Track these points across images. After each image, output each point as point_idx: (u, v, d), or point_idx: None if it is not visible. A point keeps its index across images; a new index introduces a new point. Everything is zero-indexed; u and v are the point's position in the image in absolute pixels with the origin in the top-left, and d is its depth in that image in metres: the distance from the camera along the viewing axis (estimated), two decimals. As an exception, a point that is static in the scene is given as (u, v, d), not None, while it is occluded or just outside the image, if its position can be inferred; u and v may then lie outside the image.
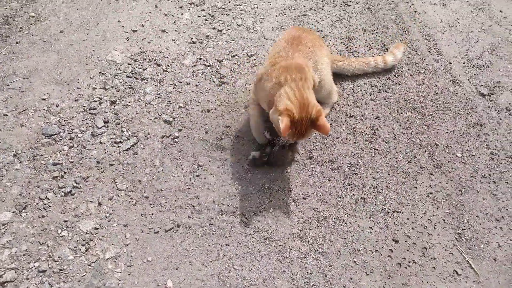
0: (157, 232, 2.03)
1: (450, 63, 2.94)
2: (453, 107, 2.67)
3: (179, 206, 2.13)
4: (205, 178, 2.24)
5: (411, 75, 2.84)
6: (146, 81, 2.68)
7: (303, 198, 2.19)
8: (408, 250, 2.03)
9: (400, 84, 2.77)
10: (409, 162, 2.37)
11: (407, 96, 2.71)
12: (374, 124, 2.53)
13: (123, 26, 3.02)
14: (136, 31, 2.99)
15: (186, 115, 2.52)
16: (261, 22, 3.14)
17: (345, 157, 2.37)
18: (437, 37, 3.13)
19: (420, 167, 2.35)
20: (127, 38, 2.94)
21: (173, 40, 2.95)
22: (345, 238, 2.06)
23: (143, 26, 3.03)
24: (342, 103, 2.63)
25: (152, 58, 2.81)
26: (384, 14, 3.29)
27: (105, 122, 2.43)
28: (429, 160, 2.39)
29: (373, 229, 2.10)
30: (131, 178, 2.22)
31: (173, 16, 3.14)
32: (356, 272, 1.95)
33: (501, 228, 2.13)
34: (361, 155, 2.39)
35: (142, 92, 2.62)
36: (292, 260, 1.97)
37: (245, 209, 2.13)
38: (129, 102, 2.55)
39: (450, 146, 2.46)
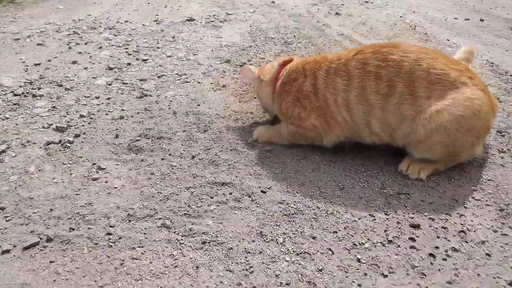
0: (7, 251, 1.14)
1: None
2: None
3: (56, 217, 1.28)
4: (106, 182, 1.44)
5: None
6: (38, 98, 2.01)
7: (262, 191, 1.42)
8: (438, 237, 1.24)
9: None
10: (400, 145, 1.73)
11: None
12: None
13: (24, 62, 2.46)
14: (39, 64, 2.43)
15: (89, 123, 1.82)
16: (194, 54, 2.72)
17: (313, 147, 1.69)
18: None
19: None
20: (26, 69, 2.36)
21: (85, 68, 2.40)
22: (336, 232, 1.25)
23: (49, 61, 2.50)
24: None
25: (53, 81, 2.20)
26: (329, 47, 3.02)
27: (-37, 133, 1.67)
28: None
29: (376, 216, 1.32)
30: (-18, 188, 1.37)
31: (89, 53, 2.66)
32: (366, 273, 1.11)
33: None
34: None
35: (31, 106, 1.93)
36: (251, 267, 1.11)
37: (169, 210, 1.31)
38: (8, 116, 1.84)
39: None
